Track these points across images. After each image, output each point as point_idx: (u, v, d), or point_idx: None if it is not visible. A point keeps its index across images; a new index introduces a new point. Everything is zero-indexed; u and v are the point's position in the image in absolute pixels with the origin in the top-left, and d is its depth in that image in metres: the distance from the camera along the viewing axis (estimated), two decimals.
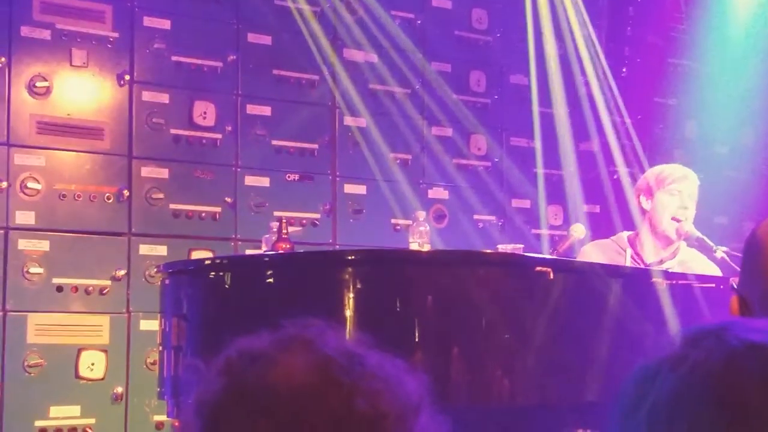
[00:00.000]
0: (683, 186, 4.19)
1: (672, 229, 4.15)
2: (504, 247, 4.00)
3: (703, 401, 0.75)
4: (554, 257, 4.11)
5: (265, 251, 3.92)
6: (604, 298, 3.24)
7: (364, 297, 3.11)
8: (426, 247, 3.88)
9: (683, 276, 3.66)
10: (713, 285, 3.60)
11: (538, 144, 5.51)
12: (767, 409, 0.73)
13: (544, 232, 5.63)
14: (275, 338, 1.08)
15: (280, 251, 3.71)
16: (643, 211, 4.30)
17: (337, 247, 5.23)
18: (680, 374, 0.77)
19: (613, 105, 5.45)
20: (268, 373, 1.02)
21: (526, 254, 3.81)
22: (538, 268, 3.16)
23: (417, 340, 3.07)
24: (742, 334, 0.78)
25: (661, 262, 4.25)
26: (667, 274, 3.60)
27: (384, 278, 3.22)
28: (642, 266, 4.25)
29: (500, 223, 5.58)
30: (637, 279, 3.62)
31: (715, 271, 4.17)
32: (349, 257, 3.60)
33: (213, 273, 3.55)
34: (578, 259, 4.37)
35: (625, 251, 4.32)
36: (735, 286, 1.61)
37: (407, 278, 3.19)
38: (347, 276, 3.12)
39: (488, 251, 4.38)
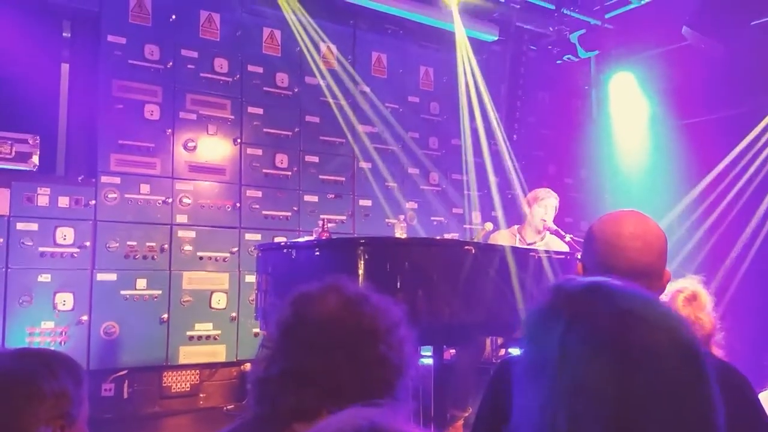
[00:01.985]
0: (548, 202, 4.78)
1: (540, 225, 4.74)
2: (448, 235, 4.61)
3: (591, 345, 0.79)
4: (475, 241, 4.54)
5: (314, 238, 4.37)
6: (503, 263, 3.57)
7: (369, 263, 3.32)
8: (404, 235, 4.27)
9: (547, 252, 3.96)
10: (564, 257, 4.04)
11: (465, 177, 6.15)
12: (647, 346, 0.79)
13: (470, 226, 6.25)
14: (319, 286, 1.29)
15: (322, 238, 4.17)
16: (525, 215, 4.89)
17: (355, 234, 5.79)
18: (571, 322, 0.82)
19: (509, 155, 5.99)
20: (315, 305, 1.25)
21: (459, 239, 4.31)
22: (466, 248, 3.51)
23: (398, 286, 3.28)
24: (614, 289, 0.86)
25: (535, 243, 4.72)
26: (537, 251, 3.92)
27: (380, 252, 3.40)
28: (525, 245, 4.65)
29: (446, 222, 6.22)
30: (522, 252, 3.83)
31: (564, 247, 4.63)
32: (361, 241, 3.78)
33: (285, 250, 3.86)
34: (490, 239, 4.81)
35: (515, 236, 4.84)
36: (579, 257, 1.75)
37: (393, 252, 3.40)
38: (359, 251, 3.36)
39: (438, 238, 4.78)
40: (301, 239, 5.13)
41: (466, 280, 3.42)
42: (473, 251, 3.43)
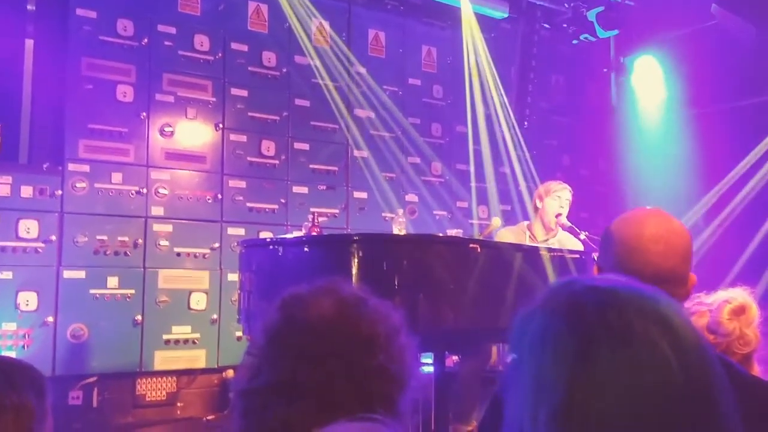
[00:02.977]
0: (562, 194, 4.73)
1: (554, 221, 4.71)
2: (451, 232, 4.56)
3: (559, 329, 0.84)
4: (480, 239, 4.59)
5: (303, 234, 4.32)
6: (511, 263, 3.57)
7: (364, 262, 3.32)
8: (403, 232, 4.24)
9: (559, 250, 3.99)
10: (578, 256, 4.01)
11: (472, 168, 6.07)
12: (602, 327, 0.82)
13: (476, 222, 6.16)
14: (312, 287, 1.27)
15: (312, 234, 4.17)
16: (536, 209, 4.81)
17: (349, 230, 5.76)
18: (545, 313, 0.87)
19: (518, 144, 6.00)
20: (307, 309, 1.22)
21: (463, 237, 4.29)
22: (471, 246, 3.51)
23: (396, 288, 3.28)
24: (584, 282, 0.89)
25: (547, 240, 4.70)
26: (549, 249, 3.92)
27: (376, 251, 3.41)
28: (535, 243, 4.63)
29: (449, 217, 6.18)
30: (532, 251, 3.84)
31: (579, 246, 4.59)
32: (354, 237, 3.77)
33: (271, 246, 3.87)
34: (497, 238, 4.78)
35: (525, 233, 4.81)
36: (595, 259, 1.77)
37: (390, 251, 3.39)
38: (353, 249, 3.35)
39: (440, 234, 4.77)
40: (289, 235, 5.12)
41: (471, 282, 3.42)
42: (479, 250, 3.44)
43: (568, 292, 0.89)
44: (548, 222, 4.76)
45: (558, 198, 4.76)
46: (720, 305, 2.09)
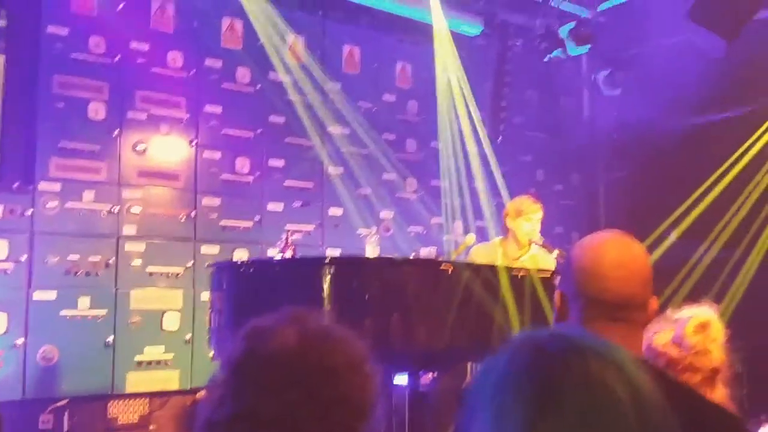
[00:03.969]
0: (534, 216, 4.74)
1: (526, 241, 4.74)
2: (425, 250, 4.39)
3: (522, 370, 0.85)
4: (451, 260, 4.52)
5: (277, 252, 4.19)
6: (485, 283, 3.59)
7: (336, 284, 3.32)
8: (376, 250, 4.21)
9: (526, 270, 4.00)
10: (551, 275, 4.06)
11: (446, 184, 6.10)
12: (564, 369, 0.84)
13: (450, 237, 6.21)
14: (275, 318, 1.26)
15: (285, 252, 4.07)
16: (507, 228, 4.84)
17: (325, 247, 5.77)
18: (509, 357, 0.88)
19: (491, 161, 6.01)
20: (271, 340, 1.22)
21: (435, 258, 4.11)
22: (442, 267, 3.54)
23: (368, 309, 3.31)
24: (548, 331, 0.92)
25: (519, 257, 4.72)
26: (519, 269, 3.94)
27: (347, 273, 3.42)
28: (508, 260, 4.65)
29: (424, 233, 6.25)
30: (502, 272, 3.83)
31: (551, 263, 4.59)
32: (326, 260, 3.77)
33: (242, 269, 3.94)
34: (471, 255, 4.80)
35: (498, 250, 4.80)
36: (557, 285, 1.75)
37: (362, 273, 3.43)
38: (324, 271, 3.35)
39: (412, 257, 4.60)
40: (256, 258, 5.18)
41: (443, 302, 3.43)
42: (450, 271, 3.46)
43: (532, 339, 0.90)
44: (520, 241, 4.78)
45: (530, 220, 4.77)
46: (685, 320, 2.10)
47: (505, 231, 4.95)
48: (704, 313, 2.14)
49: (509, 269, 3.96)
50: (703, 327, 2.08)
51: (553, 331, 0.94)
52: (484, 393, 0.89)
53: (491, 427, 0.85)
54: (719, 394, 2.02)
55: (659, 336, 2.09)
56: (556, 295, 1.66)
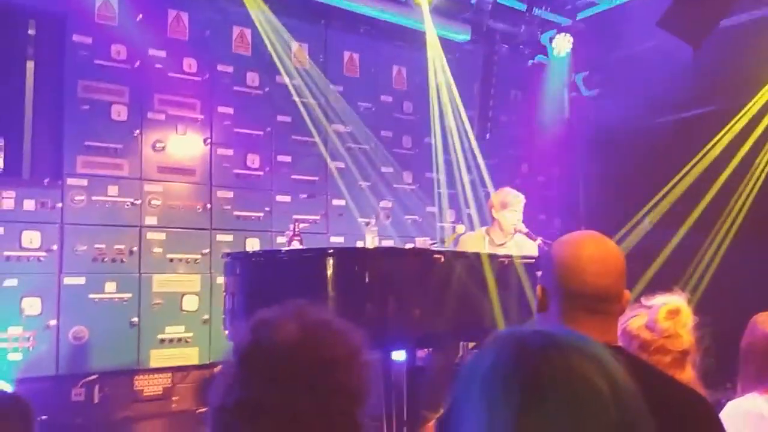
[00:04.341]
0: (518, 207, 4.83)
1: (511, 229, 4.81)
2: (420, 240, 4.41)
3: (508, 365, 0.87)
4: (445, 249, 4.53)
5: (285, 240, 4.43)
6: (473, 270, 3.66)
7: (338, 273, 3.38)
8: (376, 239, 4.25)
9: (509, 256, 4.07)
10: (531, 261, 4.11)
11: (438, 176, 6.15)
12: (546, 364, 0.85)
13: (445, 224, 6.28)
14: (279, 312, 1.26)
15: (293, 241, 4.21)
16: (493, 218, 4.92)
17: (329, 234, 5.82)
18: (495, 353, 0.89)
19: (480, 155, 6.00)
20: (274, 333, 1.22)
21: (428, 248, 4.11)
22: (435, 256, 3.58)
23: (368, 295, 3.36)
24: (531, 328, 0.92)
25: (504, 243, 4.81)
26: (507, 256, 4.01)
27: (349, 263, 3.46)
28: (494, 247, 4.74)
29: (420, 221, 6.28)
30: (492, 258, 3.89)
31: (534, 249, 4.66)
32: (329, 251, 3.73)
33: (254, 258, 4.04)
34: (460, 243, 4.87)
35: (484, 238, 4.89)
36: (539, 278, 1.72)
37: (362, 263, 3.45)
38: (328, 262, 3.42)
39: (407, 247, 4.56)
40: (264, 249, 5.26)
41: (436, 288, 3.48)
42: (442, 260, 3.50)
43: (515, 335, 0.92)
44: (506, 230, 4.85)
45: (515, 212, 4.83)
46: (657, 307, 2.15)
47: (490, 220, 5.01)
48: (675, 300, 2.18)
49: (496, 256, 4.00)
50: (673, 313, 2.12)
51: (535, 327, 0.95)
52: (473, 386, 0.90)
53: (482, 418, 0.87)
54: (688, 374, 2.07)
55: (633, 320, 2.13)
56: (538, 288, 1.67)
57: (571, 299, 1.56)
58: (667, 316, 2.11)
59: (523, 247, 4.73)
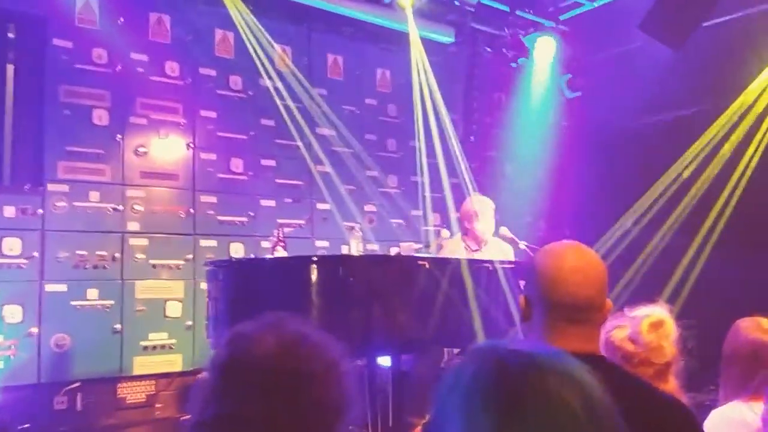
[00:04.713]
0: (487, 214, 4.80)
1: (485, 238, 4.83)
2: (406, 245, 4.61)
3: (487, 387, 0.87)
4: (429, 256, 4.53)
5: (270, 245, 4.36)
6: (456, 276, 3.67)
7: (322, 280, 3.42)
8: (360, 245, 4.26)
9: (490, 261, 4.04)
10: (512, 266, 4.10)
11: (423, 179, 5.96)
12: (525, 384, 0.86)
13: (430, 228, 6.13)
14: (256, 325, 1.25)
15: (277, 247, 4.18)
16: (465, 228, 4.92)
17: (314, 239, 5.82)
18: (474, 372, 0.90)
19: (462, 157, 5.80)
20: (252, 346, 1.21)
21: (413, 255, 4.27)
22: (420, 263, 3.61)
23: (352, 302, 3.38)
24: (507, 346, 0.92)
25: (479, 249, 4.82)
26: (490, 262, 4.01)
27: (333, 270, 3.48)
28: (470, 252, 4.75)
29: (405, 224, 6.28)
30: (474, 264, 3.93)
31: (510, 251, 4.71)
32: (313, 258, 3.73)
33: (236, 266, 4.01)
34: (444, 247, 4.89)
35: (461, 244, 4.90)
36: (522, 288, 1.79)
37: (345, 269, 3.46)
38: (312, 268, 3.44)
39: (393, 254, 4.70)
40: (243, 258, 5.26)
41: (420, 294, 3.50)
42: (426, 266, 3.48)
43: (495, 353, 0.93)
44: (480, 237, 4.85)
45: (485, 220, 4.81)
46: (640, 319, 2.13)
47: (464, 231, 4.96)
48: (658, 312, 2.17)
49: (480, 262, 4.02)
50: (656, 325, 2.11)
51: (514, 345, 0.95)
52: (453, 400, 0.91)
53: (463, 430, 0.88)
54: (671, 385, 2.07)
55: (616, 332, 2.12)
56: (521, 298, 1.69)
57: (554, 309, 1.58)
58: (650, 328, 2.11)
59: (498, 252, 4.71)
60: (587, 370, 0.92)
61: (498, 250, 4.76)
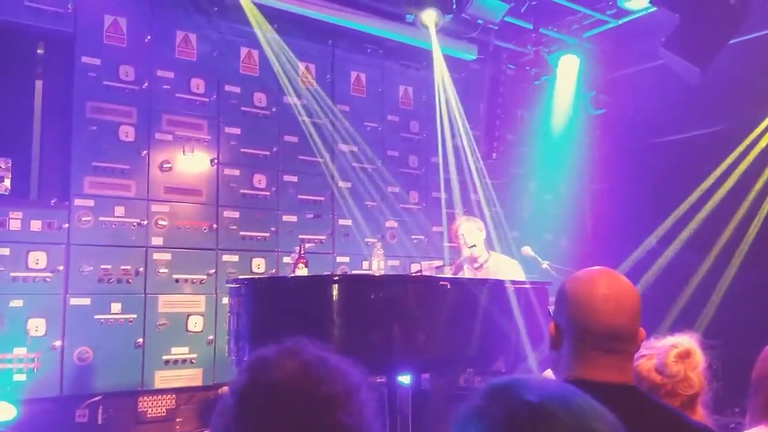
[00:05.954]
0: (474, 235, 4.76)
1: (482, 258, 4.75)
2: (428, 264, 4.53)
3: None
4: (450, 276, 4.50)
5: (291, 261, 4.39)
6: (475, 297, 3.64)
7: (343, 300, 3.39)
8: (381, 262, 4.24)
9: (518, 281, 3.99)
10: (528, 286, 4.03)
11: (443, 195, 5.96)
12: None
13: (450, 244, 5.70)
14: (276, 350, 1.23)
15: (299, 264, 4.21)
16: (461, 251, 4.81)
17: (335, 254, 5.79)
18: (483, 424, 0.87)
19: (483, 173, 5.88)
20: (271, 370, 1.19)
21: (434, 276, 4.25)
22: (441, 283, 3.60)
23: (373, 322, 3.36)
24: (521, 394, 0.88)
25: (481, 267, 4.77)
26: (511, 282, 3.89)
27: (354, 290, 3.45)
28: (471, 273, 4.71)
29: (426, 240, 6.23)
30: (494, 285, 3.83)
31: (513, 268, 4.60)
32: (335, 278, 3.80)
33: (257, 284, 3.85)
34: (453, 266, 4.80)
35: (465, 265, 4.81)
36: (552, 314, 1.69)
37: (368, 288, 3.43)
38: (333, 288, 3.41)
39: (414, 274, 4.70)
40: (265, 276, 5.27)
41: (440, 315, 3.46)
42: (448, 287, 3.44)
43: (504, 405, 0.89)
44: (474, 258, 4.80)
45: (472, 243, 4.73)
46: (667, 349, 2.08)
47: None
48: (685, 342, 2.11)
49: (500, 283, 3.95)
50: (683, 356, 2.06)
51: (529, 391, 0.92)
52: None
53: None
54: (698, 415, 2.01)
55: (643, 362, 2.07)
56: (551, 326, 1.64)
57: (585, 338, 1.52)
58: (676, 359, 2.05)
59: (500, 270, 4.62)
60: (604, 412, 0.89)
61: (500, 268, 4.69)
